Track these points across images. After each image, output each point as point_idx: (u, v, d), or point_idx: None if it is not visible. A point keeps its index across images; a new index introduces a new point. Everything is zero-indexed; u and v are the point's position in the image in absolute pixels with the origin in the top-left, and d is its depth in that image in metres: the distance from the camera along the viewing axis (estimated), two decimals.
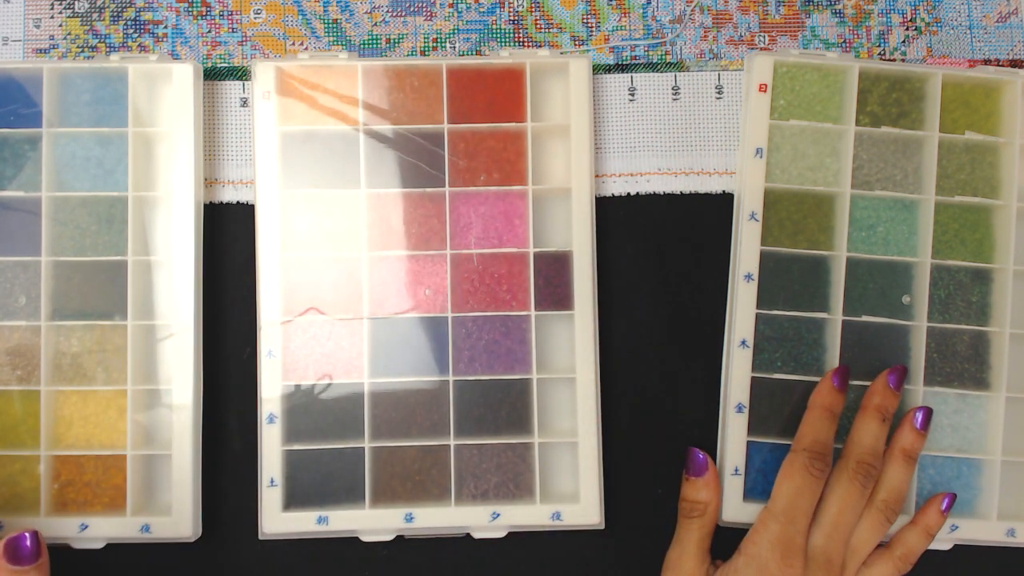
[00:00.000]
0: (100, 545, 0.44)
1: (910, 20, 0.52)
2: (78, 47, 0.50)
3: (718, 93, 0.50)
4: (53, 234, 0.45)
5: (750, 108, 0.47)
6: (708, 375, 0.48)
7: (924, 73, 0.48)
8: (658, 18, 0.51)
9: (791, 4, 0.52)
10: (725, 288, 0.48)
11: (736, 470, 0.45)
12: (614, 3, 0.51)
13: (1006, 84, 0.48)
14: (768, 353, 0.46)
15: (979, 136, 0.48)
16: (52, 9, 0.50)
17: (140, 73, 0.46)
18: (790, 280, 0.47)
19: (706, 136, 0.50)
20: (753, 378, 0.46)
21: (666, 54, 0.51)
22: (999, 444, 0.47)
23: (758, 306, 0.46)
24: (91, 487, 0.45)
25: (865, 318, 0.47)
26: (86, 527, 0.44)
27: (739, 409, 0.46)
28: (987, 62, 0.51)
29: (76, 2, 0.50)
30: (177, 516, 0.44)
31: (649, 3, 0.51)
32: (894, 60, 0.51)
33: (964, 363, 0.47)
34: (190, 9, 0.50)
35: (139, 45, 0.50)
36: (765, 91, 0.47)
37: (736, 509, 0.45)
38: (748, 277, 0.46)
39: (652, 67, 0.50)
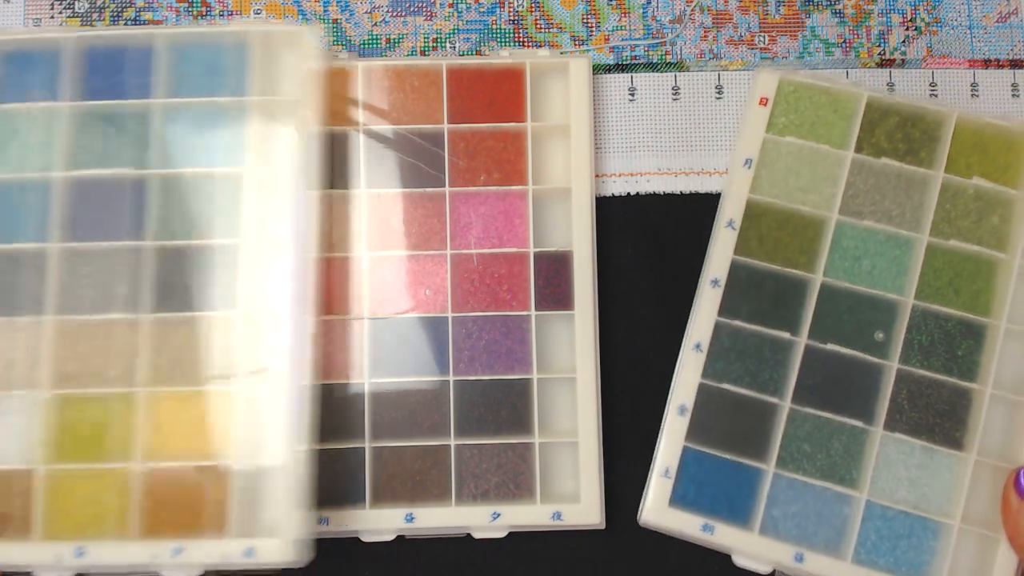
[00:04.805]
0: (198, 573, 0.40)
1: (910, 20, 0.52)
2: None
3: (718, 93, 0.50)
4: (159, 217, 0.42)
5: (748, 118, 0.47)
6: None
7: (938, 112, 0.46)
8: (658, 18, 0.51)
9: (791, 4, 0.52)
10: None
11: (667, 471, 0.44)
12: (614, 3, 0.51)
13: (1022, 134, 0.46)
14: (723, 363, 0.45)
15: (988, 184, 0.45)
16: (52, 9, 0.50)
17: (259, 39, 0.43)
18: (760, 295, 0.45)
19: (706, 136, 0.50)
20: (701, 384, 0.44)
21: (666, 54, 0.51)
22: (959, 509, 0.43)
23: (720, 313, 0.45)
24: (188, 505, 0.40)
25: (831, 346, 0.44)
26: (180, 551, 0.39)
27: (681, 411, 0.44)
28: (987, 62, 0.51)
29: (76, 2, 0.50)
30: (284, 537, 0.40)
31: (649, 3, 0.51)
32: (894, 61, 0.51)
33: (938, 417, 0.44)
34: (190, 9, 0.50)
35: None
36: (765, 105, 0.46)
37: (659, 513, 0.43)
38: (714, 283, 0.45)
39: (652, 67, 0.50)
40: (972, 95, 0.51)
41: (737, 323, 0.45)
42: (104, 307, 0.42)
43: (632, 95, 0.50)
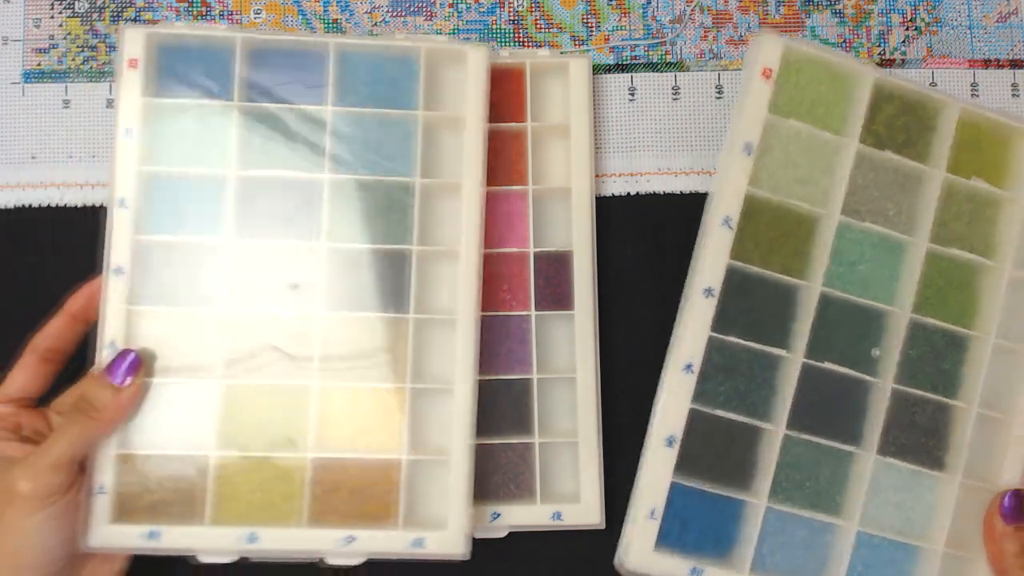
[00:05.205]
0: (359, 561, 0.41)
1: (910, 20, 0.52)
2: (78, 47, 0.50)
3: (718, 93, 0.50)
4: (333, 218, 0.42)
5: (749, 96, 0.42)
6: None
7: (941, 101, 0.43)
8: (658, 18, 0.51)
9: (791, 4, 0.51)
10: None
11: (652, 513, 0.39)
12: (614, 3, 0.51)
13: (1021, 134, 0.44)
14: (713, 383, 0.40)
15: (986, 185, 0.43)
16: (52, 9, 0.50)
17: (429, 55, 0.44)
18: (754, 306, 0.41)
19: (706, 136, 0.50)
20: (692, 410, 0.40)
21: (666, 54, 0.51)
22: (943, 533, 0.41)
23: (713, 328, 0.40)
24: (357, 495, 0.41)
25: (828, 365, 0.41)
26: (354, 539, 0.40)
27: (669, 443, 0.40)
28: (987, 62, 0.51)
29: (76, 2, 0.50)
30: (453, 529, 0.41)
31: (649, 3, 0.51)
32: (894, 61, 0.51)
33: (922, 436, 0.42)
34: (190, 9, 0.50)
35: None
36: (769, 77, 0.41)
37: (643, 556, 0.39)
38: (708, 292, 0.40)
39: (652, 67, 0.50)
40: (972, 95, 0.51)
41: (731, 339, 0.41)
42: (279, 303, 0.42)
43: (632, 95, 0.50)
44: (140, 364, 0.40)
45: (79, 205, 0.48)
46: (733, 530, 0.41)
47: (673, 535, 0.40)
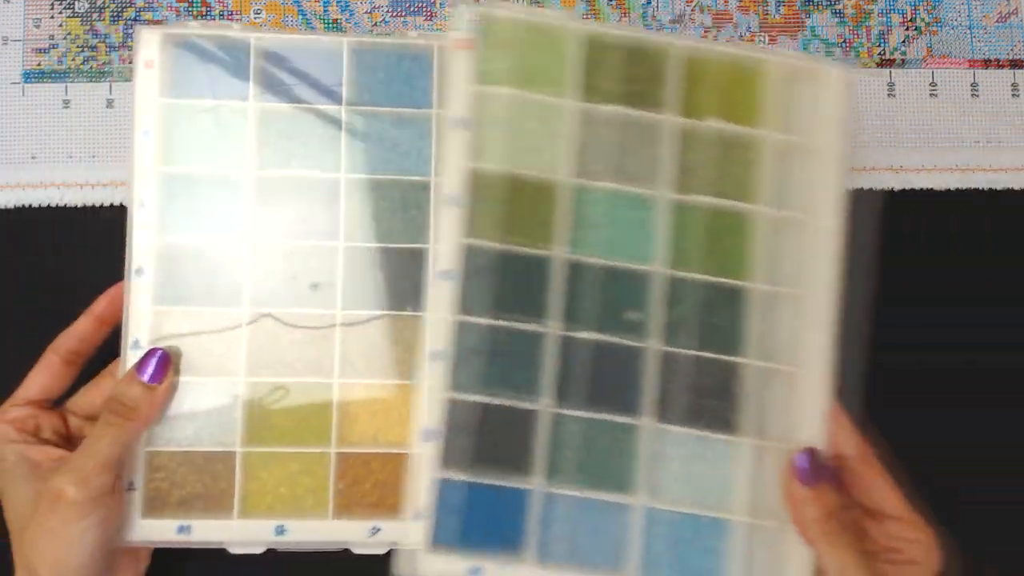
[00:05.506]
0: (384, 550, 0.41)
1: (910, 20, 0.52)
2: (78, 47, 0.50)
3: None
4: (349, 218, 0.42)
5: (454, 68, 0.40)
6: None
7: (665, 44, 0.40)
8: (658, 18, 0.51)
9: (791, 4, 0.52)
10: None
11: (420, 513, 0.38)
12: (614, 3, 0.51)
13: (764, 65, 0.41)
14: (470, 370, 0.38)
15: (724, 125, 0.40)
16: (52, 9, 0.50)
17: (443, 52, 0.43)
18: (500, 282, 0.39)
19: None
20: (449, 399, 0.38)
21: None
22: (744, 502, 0.38)
23: (459, 311, 0.39)
24: (380, 487, 0.41)
25: (584, 335, 0.39)
26: (379, 530, 0.41)
27: (428, 437, 0.38)
28: (987, 62, 0.51)
29: (76, 2, 0.50)
30: None
31: (649, 3, 0.51)
32: (894, 61, 0.51)
33: (707, 398, 0.39)
34: (190, 9, 0.50)
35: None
36: (470, 48, 0.40)
37: (415, 559, 0.38)
38: (446, 275, 0.39)
39: None
40: (972, 95, 0.51)
41: (481, 320, 0.39)
42: (299, 302, 0.42)
43: None
44: (170, 362, 0.40)
45: (79, 205, 0.48)
46: (519, 521, 0.38)
47: (451, 534, 0.38)
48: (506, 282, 0.39)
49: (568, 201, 0.39)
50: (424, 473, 0.38)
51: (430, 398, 0.39)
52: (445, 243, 0.39)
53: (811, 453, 0.38)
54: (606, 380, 0.39)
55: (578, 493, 0.39)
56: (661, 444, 0.39)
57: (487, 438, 0.39)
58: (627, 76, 0.40)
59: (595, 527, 0.39)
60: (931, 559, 0.38)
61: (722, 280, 0.40)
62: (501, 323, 0.39)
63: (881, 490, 0.39)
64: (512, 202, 0.40)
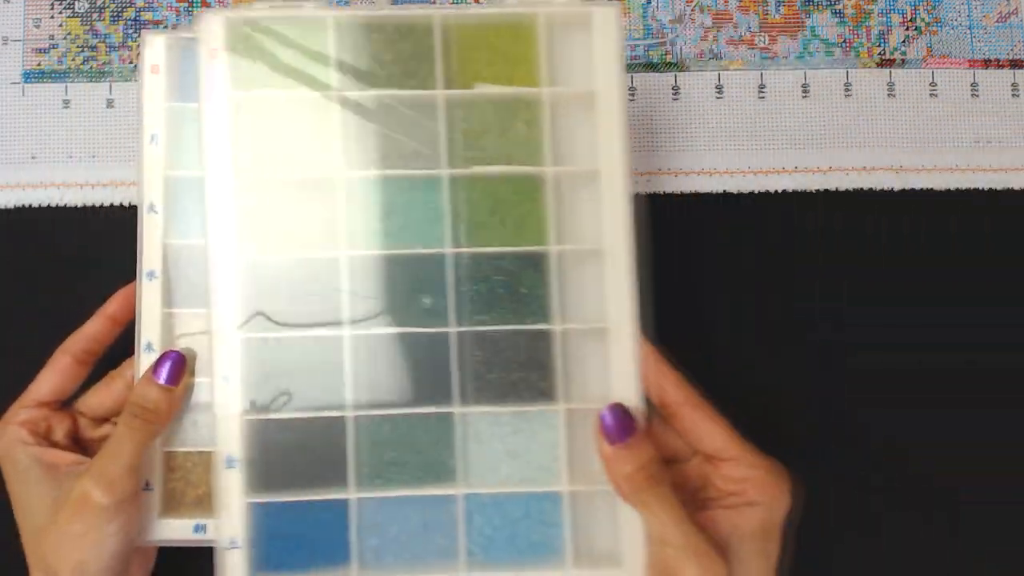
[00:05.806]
0: None
1: (910, 20, 0.52)
2: (78, 47, 0.50)
3: (718, 93, 0.50)
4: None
5: (203, 75, 0.38)
6: (705, 377, 0.48)
7: (424, 17, 0.39)
8: (658, 18, 0.51)
9: (791, 4, 0.52)
10: (723, 289, 0.47)
11: (233, 541, 0.36)
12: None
13: (531, 19, 0.39)
14: (264, 385, 0.37)
15: (496, 88, 0.39)
16: (52, 9, 0.50)
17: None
18: (278, 289, 0.38)
19: (706, 136, 0.50)
20: (245, 422, 0.37)
21: (666, 54, 0.51)
22: (567, 470, 0.38)
23: (241, 327, 0.38)
24: None
25: (376, 330, 0.38)
26: None
27: (230, 463, 0.37)
28: (987, 62, 0.51)
29: (76, 2, 0.50)
30: None
31: (649, 3, 0.51)
32: (894, 61, 0.51)
33: (522, 372, 0.38)
34: (190, 9, 0.50)
35: (139, 45, 0.50)
36: (216, 57, 0.38)
37: None
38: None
39: (652, 67, 0.50)
40: (972, 95, 0.51)
41: (267, 335, 0.38)
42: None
43: (632, 95, 0.50)
44: (185, 364, 0.40)
45: (79, 205, 0.48)
46: (345, 533, 0.38)
47: (274, 558, 0.37)
48: (284, 289, 0.38)
49: (342, 196, 0.38)
50: (233, 500, 0.37)
51: (224, 423, 0.37)
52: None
53: (615, 409, 0.37)
54: (411, 372, 0.38)
55: (405, 492, 0.38)
56: (478, 427, 0.38)
57: (295, 454, 0.37)
58: (393, 56, 0.38)
59: (426, 524, 0.38)
60: (769, 497, 0.36)
61: (521, 249, 0.38)
62: (292, 333, 0.38)
63: (710, 432, 0.37)
64: (279, 208, 0.38)
